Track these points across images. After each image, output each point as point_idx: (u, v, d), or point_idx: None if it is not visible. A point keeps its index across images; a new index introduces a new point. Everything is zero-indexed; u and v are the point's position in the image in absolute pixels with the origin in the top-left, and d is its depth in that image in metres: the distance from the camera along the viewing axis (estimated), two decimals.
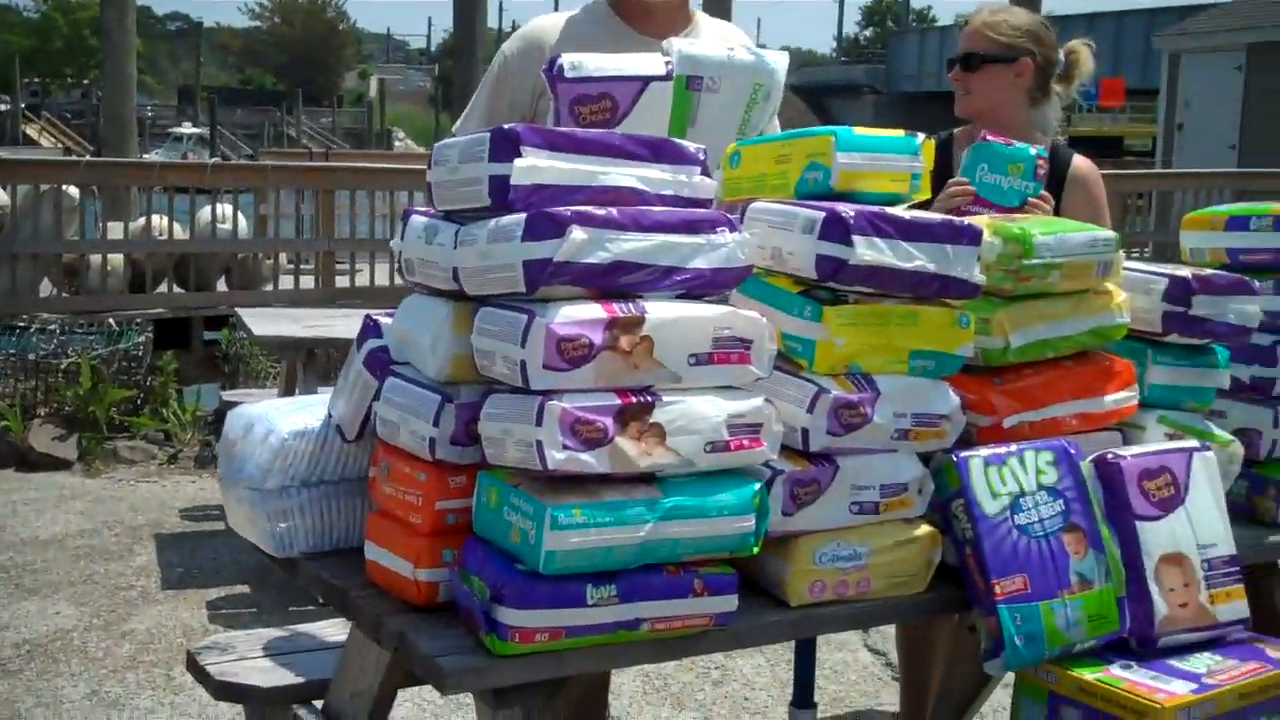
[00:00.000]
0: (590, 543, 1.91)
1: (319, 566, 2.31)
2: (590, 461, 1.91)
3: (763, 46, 2.99)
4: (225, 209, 9.69)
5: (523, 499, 1.94)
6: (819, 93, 51.39)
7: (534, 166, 1.98)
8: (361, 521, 2.31)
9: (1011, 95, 3.40)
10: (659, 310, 1.98)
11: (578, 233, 1.92)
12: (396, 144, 50.26)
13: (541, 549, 1.88)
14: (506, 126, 2.00)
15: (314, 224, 10.08)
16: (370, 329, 2.29)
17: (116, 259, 9.21)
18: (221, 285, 9.85)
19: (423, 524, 2.10)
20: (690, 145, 2.17)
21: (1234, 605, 2.39)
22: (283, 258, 10.22)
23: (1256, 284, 2.61)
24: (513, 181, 1.96)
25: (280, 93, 63.20)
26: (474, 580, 1.99)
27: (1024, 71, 3.39)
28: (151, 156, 27.20)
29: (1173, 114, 20.10)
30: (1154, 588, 2.32)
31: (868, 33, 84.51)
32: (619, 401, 1.94)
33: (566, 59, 2.47)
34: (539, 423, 1.89)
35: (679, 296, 2.05)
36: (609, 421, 1.92)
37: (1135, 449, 2.42)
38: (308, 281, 9.89)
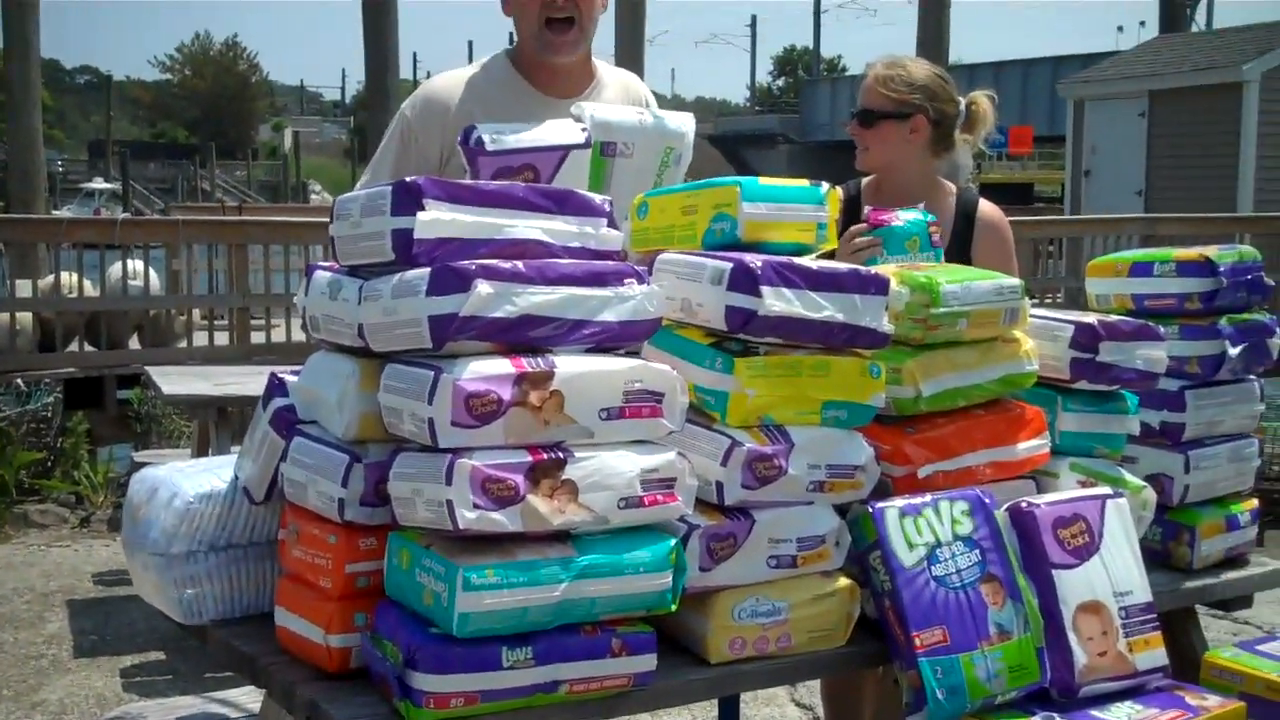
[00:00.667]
0: (504, 604, 1.87)
1: (228, 634, 2.25)
2: (502, 520, 1.88)
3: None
4: (136, 265, 9.55)
5: (434, 560, 1.90)
6: (734, 142, 51.85)
7: (437, 220, 1.95)
8: (272, 586, 2.25)
9: (907, 150, 3.41)
10: (568, 364, 1.96)
11: (483, 287, 1.89)
12: (313, 197, 49.90)
13: (454, 611, 1.85)
14: (408, 179, 1.98)
15: (228, 279, 9.96)
16: (276, 387, 2.25)
17: (25, 317, 9.03)
18: (134, 343, 9.69)
19: (333, 588, 2.05)
20: (596, 197, 2.16)
21: (1152, 653, 2.38)
22: (196, 314, 10.09)
23: (1162, 329, 2.63)
24: (416, 235, 1.94)
25: (193, 146, 62.67)
26: (387, 645, 1.95)
27: (918, 127, 3.40)
28: (63, 212, 26.81)
29: (1079, 161, 20.45)
30: (1073, 637, 2.31)
31: (780, 82, 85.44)
32: (530, 458, 1.91)
33: (485, 131, 2.46)
34: (449, 482, 1.86)
35: (588, 350, 2.03)
36: (520, 479, 1.89)
37: (1049, 497, 2.42)
38: (222, 338, 9.76)
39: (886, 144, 3.39)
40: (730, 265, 2.13)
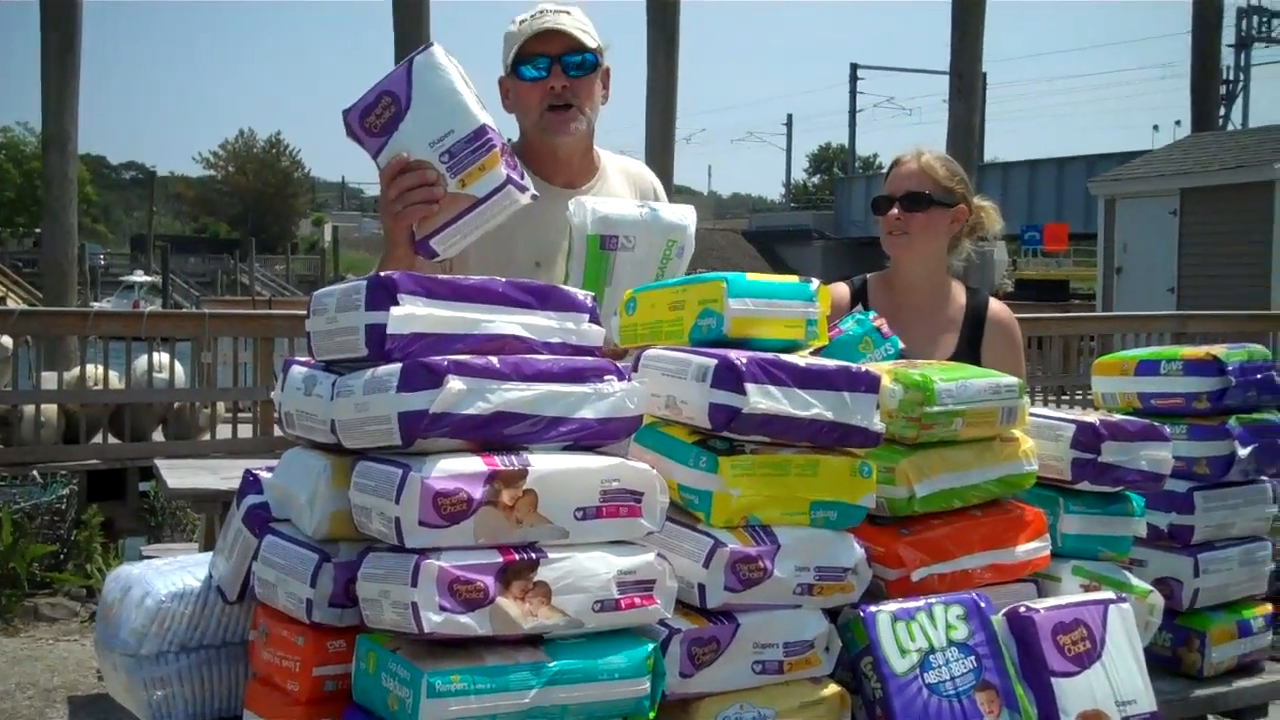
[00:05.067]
0: (471, 711, 1.80)
1: None
2: (470, 624, 1.82)
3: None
4: (162, 358, 9.59)
5: (400, 664, 1.84)
6: (769, 238, 52.15)
7: (411, 315, 1.91)
8: (244, 688, 2.19)
9: (942, 241, 3.38)
10: (543, 462, 1.90)
11: (455, 383, 1.85)
12: None
13: (419, 718, 1.78)
14: (383, 274, 1.94)
15: (254, 372, 9.98)
16: (250, 484, 2.21)
17: (50, 410, 9.06)
18: (159, 435, 9.69)
19: (300, 691, 1.99)
20: (579, 292, 2.12)
21: None
22: (221, 407, 10.10)
23: (1167, 429, 2.56)
24: (389, 330, 1.90)
25: (234, 240, 63.42)
26: None
27: (959, 218, 3.37)
28: (102, 305, 27.11)
29: (1111, 258, 20.42)
30: None
31: (815, 179, 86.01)
32: (501, 559, 1.85)
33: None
34: (414, 583, 1.80)
35: (567, 448, 1.98)
36: (490, 581, 1.83)
37: (1048, 601, 2.34)
38: (246, 430, 9.76)
39: (932, 231, 3.34)
40: (714, 362, 2.08)
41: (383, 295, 1.92)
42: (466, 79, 2.55)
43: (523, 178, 2.55)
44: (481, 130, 2.50)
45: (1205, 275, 18.74)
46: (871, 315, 2.88)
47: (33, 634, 7.02)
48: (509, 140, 3.18)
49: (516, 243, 2.95)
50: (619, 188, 3.19)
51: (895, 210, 3.34)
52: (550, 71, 3.00)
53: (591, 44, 3.01)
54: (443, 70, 2.52)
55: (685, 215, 2.88)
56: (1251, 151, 19.63)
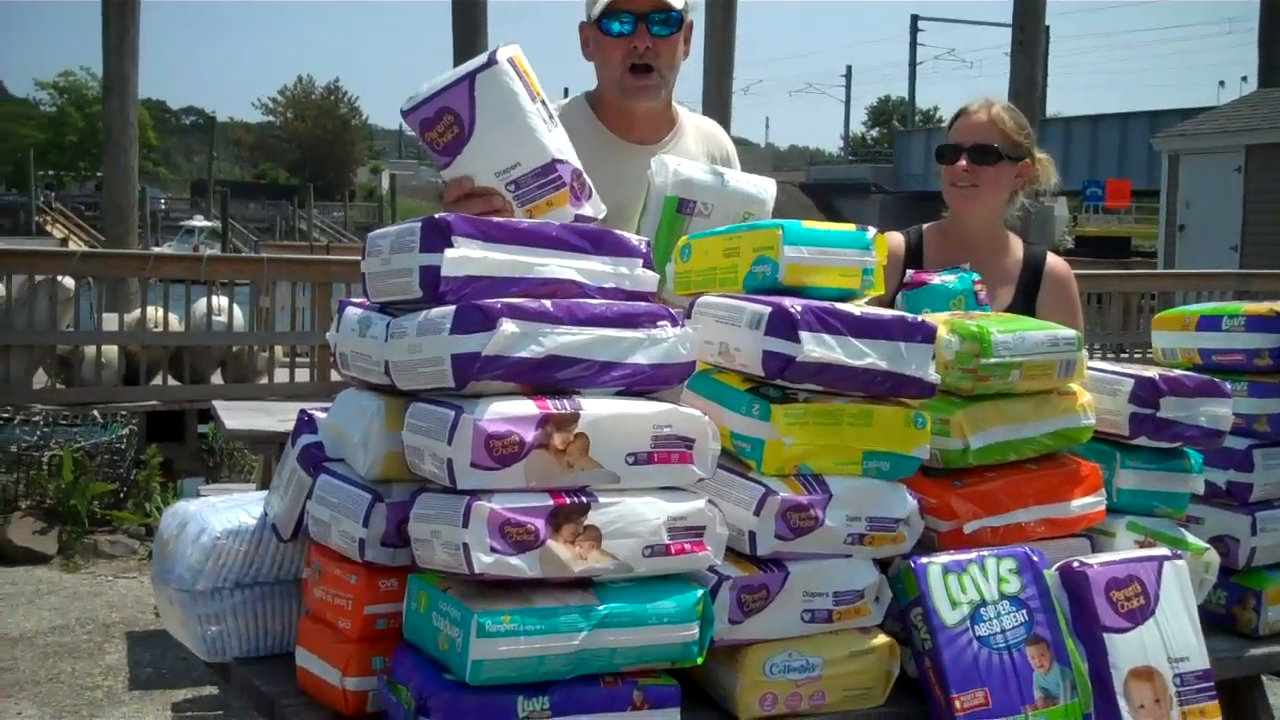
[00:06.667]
0: (520, 651, 1.81)
1: (250, 672, 2.22)
2: (520, 565, 1.82)
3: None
4: (221, 301, 9.67)
5: (450, 604, 1.85)
6: (827, 191, 51.77)
7: (466, 257, 1.91)
8: (297, 625, 2.21)
9: (1006, 194, 3.33)
10: (595, 407, 1.90)
11: (508, 326, 1.85)
12: None
13: (468, 658, 1.79)
14: (438, 215, 1.94)
15: (312, 316, 10.04)
16: (305, 424, 2.23)
17: (111, 351, 9.17)
18: (218, 378, 9.79)
19: (352, 629, 2.01)
20: (633, 237, 2.11)
21: None
22: (279, 351, 10.19)
23: (1228, 385, 2.53)
24: (443, 273, 1.90)
25: (292, 187, 63.66)
26: (401, 690, 1.90)
27: (1024, 172, 3.32)
28: (163, 249, 27.29)
29: (1173, 215, 20.13)
30: (1123, 704, 2.21)
31: (874, 132, 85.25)
32: (552, 502, 1.86)
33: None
34: (465, 524, 1.81)
35: (619, 393, 1.98)
36: (540, 523, 1.84)
37: (1102, 557, 2.32)
38: (303, 375, 9.83)
39: (999, 185, 3.29)
40: (769, 309, 2.07)
41: (437, 237, 1.92)
42: (534, 89, 2.40)
43: (590, 198, 2.43)
44: (550, 166, 2.36)
45: (1269, 234, 18.44)
46: (975, 277, 2.85)
47: (92, 570, 7.13)
48: (591, 90, 3.13)
49: None
50: (693, 146, 3.16)
51: (964, 162, 3.27)
52: (636, 29, 2.97)
53: (678, 3, 2.98)
54: (508, 89, 2.35)
55: (766, 189, 2.85)
56: None
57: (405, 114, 2.40)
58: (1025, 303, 3.27)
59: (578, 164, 2.43)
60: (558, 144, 2.41)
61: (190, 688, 5.32)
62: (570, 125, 3.00)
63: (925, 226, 3.43)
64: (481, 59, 2.38)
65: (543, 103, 2.42)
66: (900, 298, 2.84)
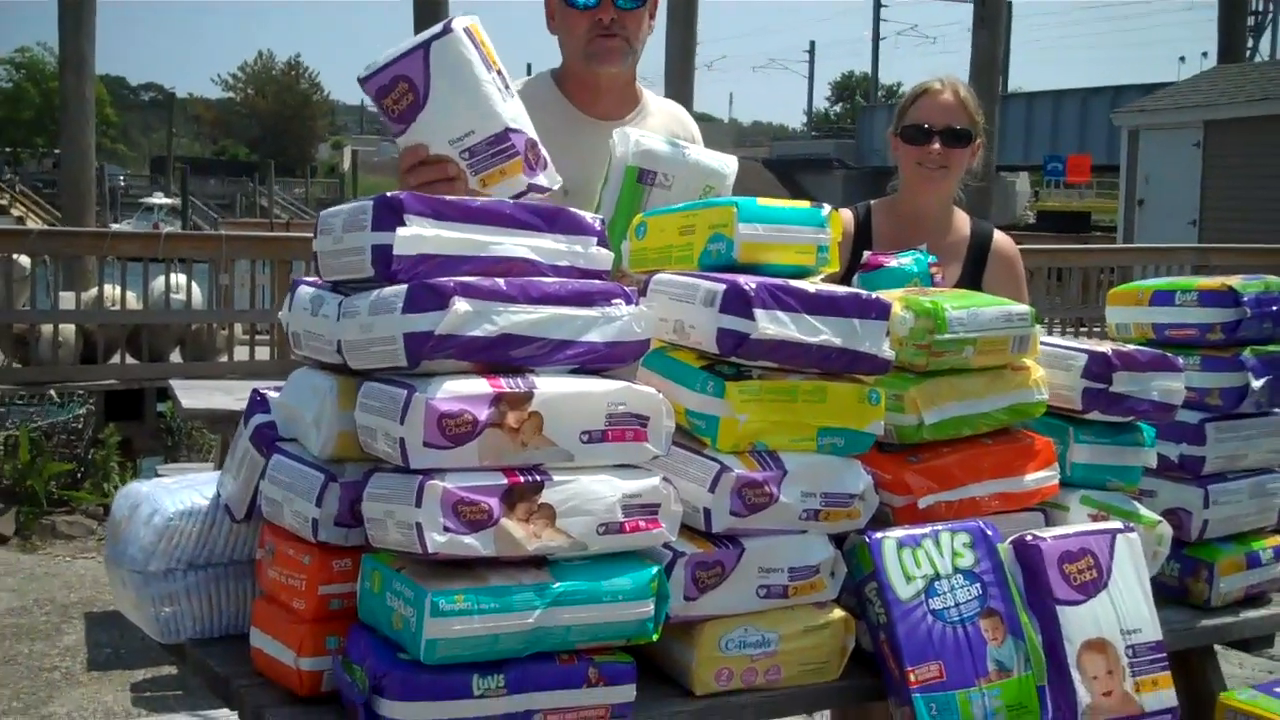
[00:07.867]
0: (475, 630, 1.81)
1: (205, 653, 2.21)
2: (474, 544, 1.82)
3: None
4: (180, 279, 9.60)
5: (404, 584, 1.84)
6: (789, 166, 51.86)
7: (418, 236, 1.90)
8: (251, 605, 2.20)
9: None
10: (548, 385, 1.90)
11: (461, 304, 1.84)
12: None
13: (422, 637, 1.79)
14: (389, 194, 1.93)
15: (272, 294, 9.99)
16: (257, 403, 2.21)
17: (68, 329, 9.10)
18: (176, 356, 9.73)
19: (306, 609, 2.00)
20: (587, 215, 2.10)
21: (1160, 694, 2.29)
22: (238, 329, 10.12)
23: (1180, 360, 2.55)
24: (396, 251, 1.89)
25: (253, 163, 63.29)
26: (356, 670, 1.90)
27: (976, 151, 3.33)
28: (122, 226, 27.05)
29: (1133, 190, 20.25)
30: (1076, 675, 2.23)
31: (837, 108, 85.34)
32: (506, 481, 1.86)
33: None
34: (419, 503, 1.80)
35: (573, 371, 1.98)
36: (494, 502, 1.84)
37: (1055, 530, 2.34)
38: (263, 353, 9.79)
39: (961, 166, 3.29)
40: (723, 287, 2.07)
41: (389, 216, 1.91)
42: (491, 59, 2.42)
43: (545, 169, 2.46)
44: (504, 135, 2.41)
45: (1227, 209, 18.57)
46: (931, 259, 2.85)
47: (50, 551, 7.09)
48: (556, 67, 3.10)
49: None
50: (658, 125, 3.14)
51: (937, 145, 3.25)
52: (600, 2, 2.96)
53: None
54: (462, 57, 2.39)
55: (727, 164, 2.84)
56: (1276, 84, 19.38)
57: (362, 81, 2.42)
58: (972, 279, 3.29)
59: (533, 134, 2.45)
60: (512, 113, 2.44)
61: (149, 668, 5.30)
62: (534, 100, 2.99)
63: (873, 203, 3.43)
64: (438, 28, 2.41)
65: (499, 73, 2.44)
66: (856, 279, 2.84)
